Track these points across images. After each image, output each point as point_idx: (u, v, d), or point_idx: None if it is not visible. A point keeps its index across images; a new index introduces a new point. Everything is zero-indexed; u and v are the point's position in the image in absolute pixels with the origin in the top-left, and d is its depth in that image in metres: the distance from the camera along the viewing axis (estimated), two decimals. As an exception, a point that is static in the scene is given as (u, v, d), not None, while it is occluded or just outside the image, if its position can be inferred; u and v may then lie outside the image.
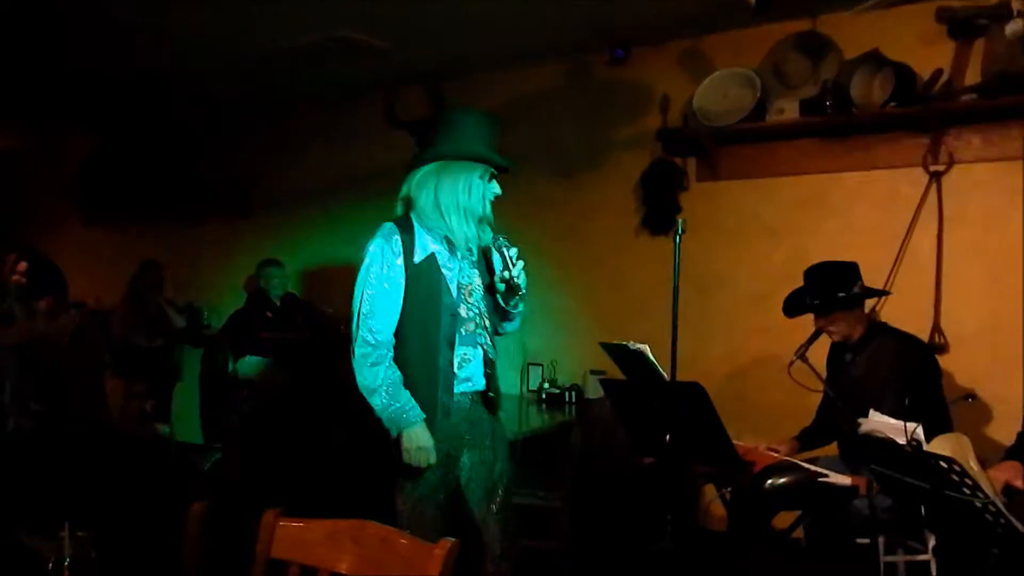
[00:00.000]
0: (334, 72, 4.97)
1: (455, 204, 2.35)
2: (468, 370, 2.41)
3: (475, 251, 2.44)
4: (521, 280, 2.33)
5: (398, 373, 2.33)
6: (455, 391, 2.37)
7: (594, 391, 4.25)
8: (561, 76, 4.76)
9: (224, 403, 4.98)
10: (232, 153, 6.08)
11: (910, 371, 2.85)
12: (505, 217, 2.58)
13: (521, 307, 2.47)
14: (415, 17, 4.09)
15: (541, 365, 4.63)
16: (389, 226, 2.38)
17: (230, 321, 5.18)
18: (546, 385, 4.53)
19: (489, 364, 2.44)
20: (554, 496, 3.37)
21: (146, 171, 6.23)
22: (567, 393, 4.45)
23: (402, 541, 1.55)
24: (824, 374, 3.04)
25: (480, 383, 2.44)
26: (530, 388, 4.62)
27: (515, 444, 2.77)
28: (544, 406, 4.39)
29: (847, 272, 2.99)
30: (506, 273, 2.31)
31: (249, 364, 5.00)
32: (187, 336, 5.51)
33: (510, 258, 2.31)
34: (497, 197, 2.45)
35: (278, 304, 5.21)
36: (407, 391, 2.31)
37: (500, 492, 2.46)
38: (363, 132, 5.43)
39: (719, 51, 4.24)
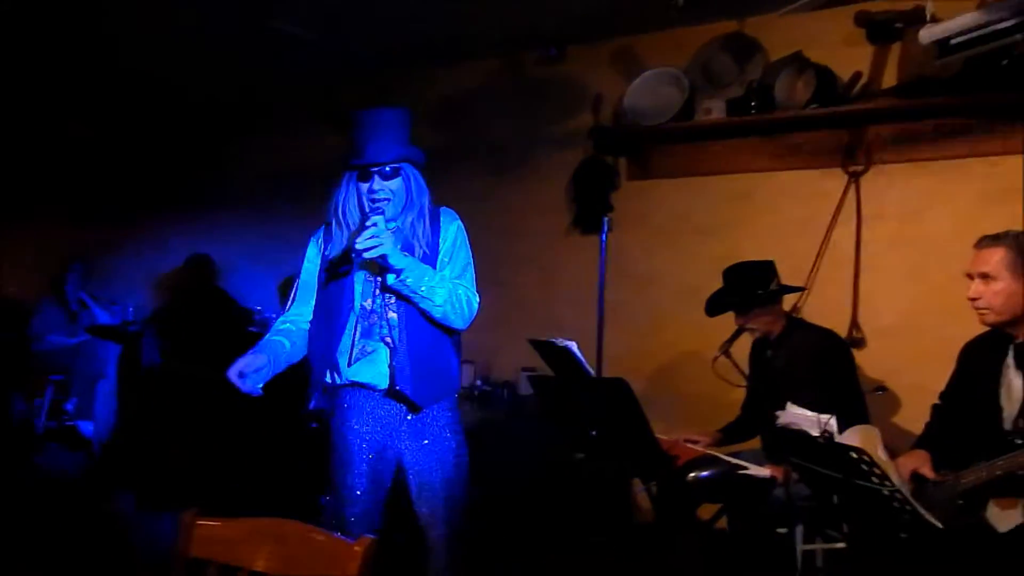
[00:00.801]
0: (270, 65, 4.89)
1: (335, 208, 2.46)
2: (368, 363, 2.40)
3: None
4: (365, 247, 2.25)
5: (276, 339, 2.46)
6: (348, 380, 2.42)
7: (527, 388, 4.28)
8: (497, 72, 4.77)
9: (144, 400, 4.86)
10: (164, 147, 5.94)
11: (826, 365, 2.95)
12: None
13: (423, 290, 2.33)
14: (351, 11, 4.05)
15: (474, 363, 4.63)
16: (324, 225, 2.53)
17: (155, 316, 5.06)
18: (479, 383, 4.53)
19: (399, 359, 2.39)
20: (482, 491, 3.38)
21: (70, 165, 6.04)
22: (501, 390, 4.46)
23: (321, 539, 1.55)
24: (747, 370, 3.11)
25: (381, 379, 2.41)
26: (463, 385, 4.61)
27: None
28: (477, 404, 4.39)
29: (764, 271, 3.07)
30: (354, 242, 2.28)
31: (172, 360, 4.89)
32: (111, 332, 5.37)
33: (365, 228, 2.30)
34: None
35: (206, 300, 5.11)
36: (263, 348, 2.42)
37: (432, 493, 2.44)
38: (299, 127, 5.35)
39: (650, 51, 4.30)
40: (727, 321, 3.20)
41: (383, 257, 2.28)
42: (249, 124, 5.66)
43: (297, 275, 2.56)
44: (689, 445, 3.04)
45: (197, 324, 5.00)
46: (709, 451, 2.99)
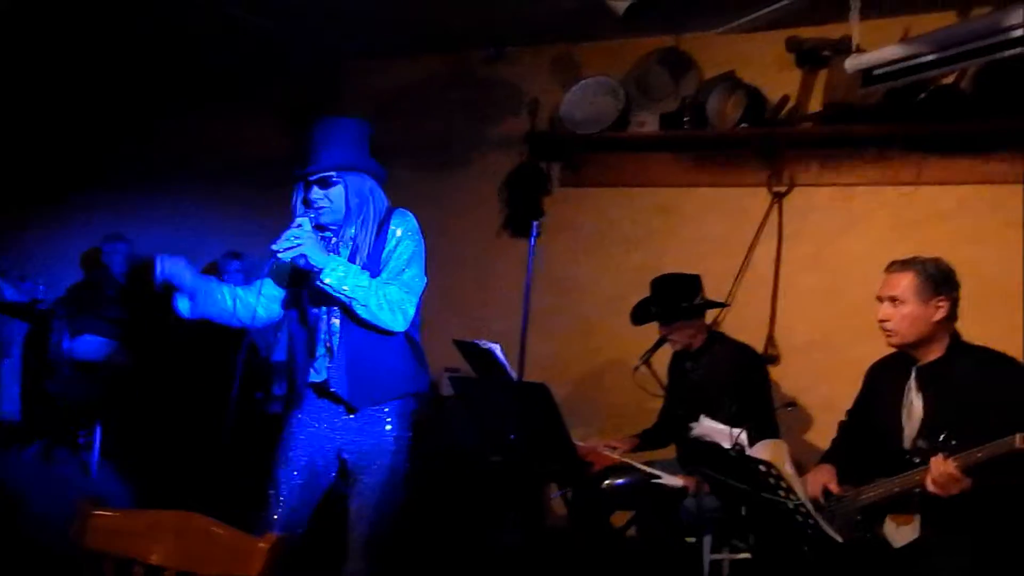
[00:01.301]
0: (209, 50, 4.76)
1: (292, 212, 2.47)
2: (319, 363, 2.46)
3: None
4: (281, 248, 2.30)
5: (225, 287, 2.55)
6: (306, 381, 2.48)
7: (450, 389, 4.26)
8: (440, 69, 4.74)
9: (54, 384, 4.65)
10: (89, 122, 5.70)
11: (742, 379, 3.03)
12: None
13: (346, 291, 2.32)
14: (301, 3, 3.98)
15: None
16: None
17: (66, 296, 4.85)
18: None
19: (335, 362, 2.42)
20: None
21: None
22: (424, 389, 4.42)
23: (224, 533, 1.51)
24: (666, 380, 3.17)
25: (318, 377, 2.46)
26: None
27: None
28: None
29: (690, 284, 3.14)
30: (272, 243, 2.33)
31: (87, 344, 4.69)
32: (16, 309, 5.10)
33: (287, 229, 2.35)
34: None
35: (122, 282, 4.92)
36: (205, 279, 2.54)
37: (362, 494, 2.44)
38: (233, 114, 5.21)
39: (588, 59, 4.34)
40: (649, 331, 3.26)
41: (303, 258, 2.30)
42: (180, 106, 5.47)
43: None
44: (605, 452, 3.08)
45: (118, 310, 4.81)
46: (624, 459, 3.03)
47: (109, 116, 5.62)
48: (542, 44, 4.44)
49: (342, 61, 4.84)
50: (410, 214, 2.54)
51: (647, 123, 4.06)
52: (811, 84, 3.89)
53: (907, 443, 2.42)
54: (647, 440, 3.35)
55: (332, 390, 2.43)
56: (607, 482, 2.82)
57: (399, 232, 2.46)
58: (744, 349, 3.20)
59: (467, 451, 3.65)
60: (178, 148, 5.36)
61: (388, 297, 2.37)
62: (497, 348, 2.80)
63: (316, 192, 2.42)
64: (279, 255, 2.30)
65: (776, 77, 3.94)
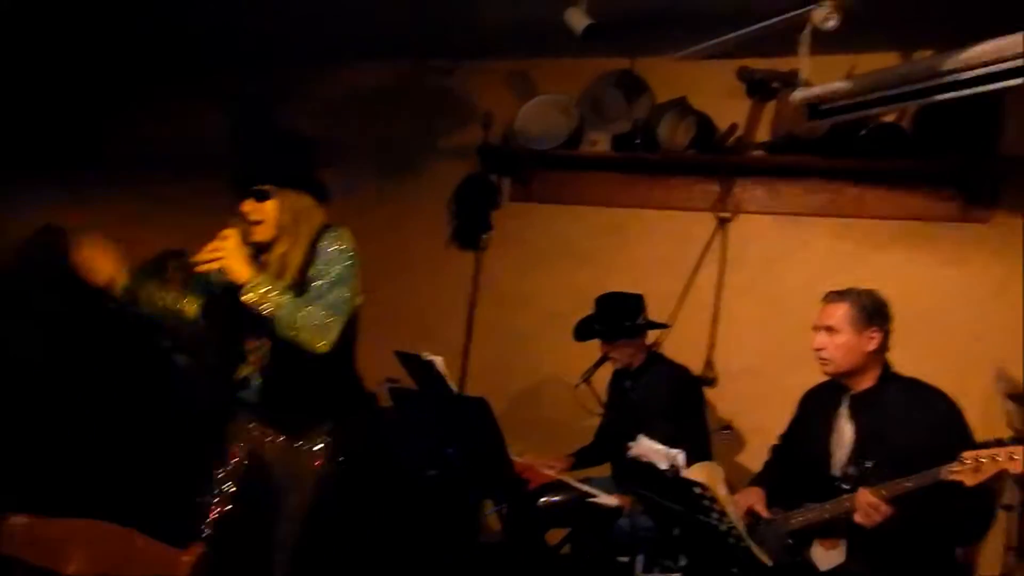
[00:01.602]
0: (164, 44, 4.65)
1: None
2: (250, 380, 2.46)
3: None
4: (200, 260, 2.27)
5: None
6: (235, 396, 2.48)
7: (389, 400, 4.21)
8: (392, 77, 4.71)
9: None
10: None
11: (678, 400, 3.06)
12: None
13: (267, 308, 2.24)
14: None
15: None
16: None
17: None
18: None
19: (264, 383, 2.41)
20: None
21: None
22: (363, 399, 4.36)
23: (143, 544, 1.48)
24: (605, 398, 3.18)
25: (251, 395, 2.44)
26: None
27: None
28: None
29: (633, 303, 3.16)
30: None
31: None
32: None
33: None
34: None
35: (55, 276, 4.74)
36: None
37: (287, 519, 2.41)
38: (183, 111, 5.08)
39: (544, 76, 4.36)
40: (591, 349, 3.27)
41: (222, 271, 2.25)
42: (127, 101, 5.32)
43: None
44: (543, 470, 3.07)
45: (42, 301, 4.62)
46: (560, 477, 3.03)
47: (58, 106, 5.43)
48: (498, 59, 4.45)
49: (292, 66, 4.77)
50: (346, 232, 2.45)
51: (599, 143, 4.09)
52: (759, 114, 3.97)
53: (836, 469, 2.47)
54: (583, 459, 3.36)
55: (258, 409, 2.41)
56: (543, 499, 2.82)
57: (330, 250, 2.38)
58: (681, 371, 3.24)
59: (403, 464, 3.60)
60: (129, 139, 5.20)
61: (310, 318, 2.27)
62: (438, 361, 2.78)
63: (249, 204, 2.37)
64: (196, 268, 2.27)
65: (726, 105, 4.01)
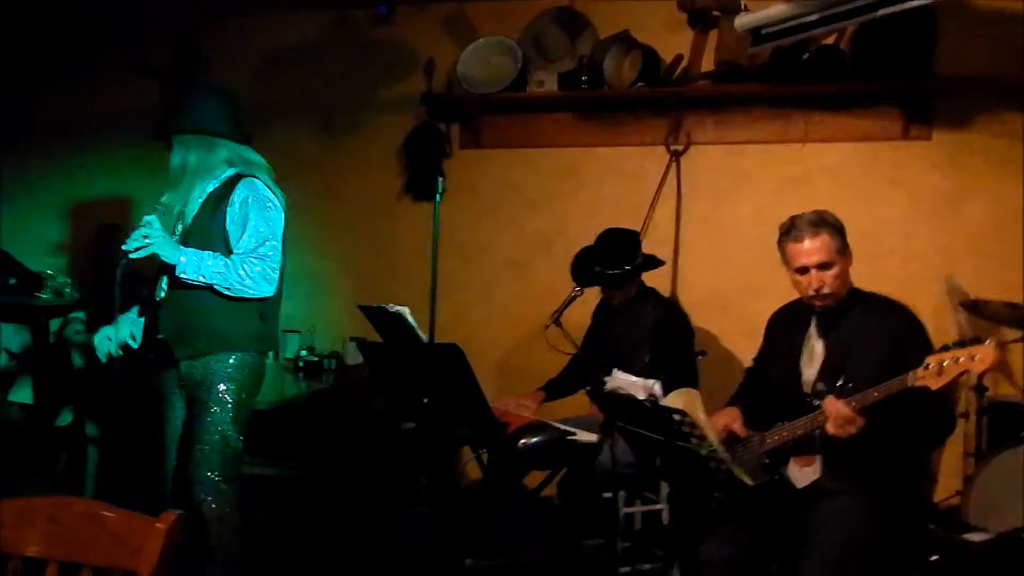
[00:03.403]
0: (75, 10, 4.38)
1: None
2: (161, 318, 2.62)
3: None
4: (131, 248, 2.42)
5: None
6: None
7: (354, 358, 4.15)
8: (325, 28, 4.53)
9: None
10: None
11: (661, 332, 3.07)
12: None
13: (206, 278, 2.47)
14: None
15: (299, 332, 4.43)
16: None
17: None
18: (303, 353, 4.35)
19: (161, 316, 2.60)
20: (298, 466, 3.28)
21: None
22: (326, 360, 4.30)
23: (112, 516, 1.37)
24: (578, 336, 3.18)
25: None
26: (287, 356, 4.41)
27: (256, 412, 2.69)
28: (302, 374, 4.21)
29: (633, 242, 3.16)
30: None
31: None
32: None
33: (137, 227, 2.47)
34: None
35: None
36: None
37: (196, 453, 2.52)
38: (106, 76, 4.83)
39: (481, 19, 4.26)
40: (549, 292, 3.26)
41: (155, 256, 2.43)
42: (45, 70, 5.03)
43: None
44: (518, 412, 3.07)
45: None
46: (538, 418, 3.04)
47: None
48: (431, 3, 4.32)
49: (222, 17, 4.56)
50: (258, 181, 2.57)
51: (546, 83, 4.04)
52: (702, 44, 3.95)
53: (807, 387, 2.52)
54: (552, 390, 3.36)
55: (158, 340, 2.59)
56: (522, 441, 2.82)
57: (242, 198, 2.52)
58: (668, 304, 3.25)
59: (375, 419, 3.58)
60: (48, 111, 4.93)
61: (249, 273, 2.48)
62: (407, 311, 2.73)
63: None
64: (131, 255, 2.41)
65: (669, 37, 3.99)
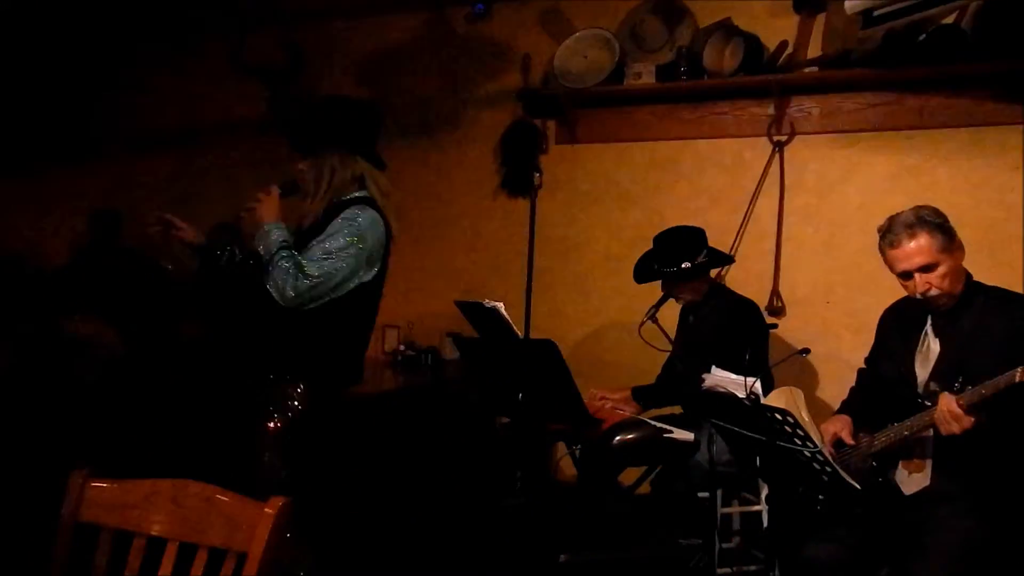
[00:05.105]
0: (180, 11, 4.61)
1: None
2: None
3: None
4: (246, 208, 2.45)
5: None
6: None
7: (451, 353, 4.22)
8: (423, 27, 4.62)
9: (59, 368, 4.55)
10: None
11: (734, 329, 2.97)
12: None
13: (264, 258, 2.35)
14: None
15: (398, 327, 4.53)
16: None
17: (58, 274, 4.75)
18: (402, 347, 4.44)
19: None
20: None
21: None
22: (424, 355, 4.38)
23: (226, 500, 1.45)
24: (674, 334, 3.12)
25: None
26: (386, 351, 4.52)
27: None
28: (400, 368, 4.30)
29: (695, 239, 3.07)
30: None
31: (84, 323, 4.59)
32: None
33: None
34: None
35: (113, 257, 4.82)
36: None
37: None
38: (212, 78, 5.06)
39: (577, 13, 4.24)
40: (648, 288, 3.20)
41: (258, 220, 2.40)
42: (153, 70, 5.30)
43: None
44: (616, 411, 3.03)
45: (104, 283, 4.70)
46: (635, 416, 3.00)
47: (75, 84, 5.42)
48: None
49: (324, 20, 4.70)
50: (369, 211, 2.42)
51: (643, 75, 3.97)
52: (809, 29, 3.81)
53: (920, 388, 2.38)
54: (641, 397, 3.26)
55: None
56: (618, 438, 2.78)
57: (339, 222, 2.38)
58: (740, 303, 3.12)
59: (471, 414, 3.61)
60: (159, 112, 5.20)
61: (284, 270, 2.29)
62: (501, 307, 2.75)
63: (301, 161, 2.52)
64: (241, 212, 2.46)
65: (772, 23, 3.86)
